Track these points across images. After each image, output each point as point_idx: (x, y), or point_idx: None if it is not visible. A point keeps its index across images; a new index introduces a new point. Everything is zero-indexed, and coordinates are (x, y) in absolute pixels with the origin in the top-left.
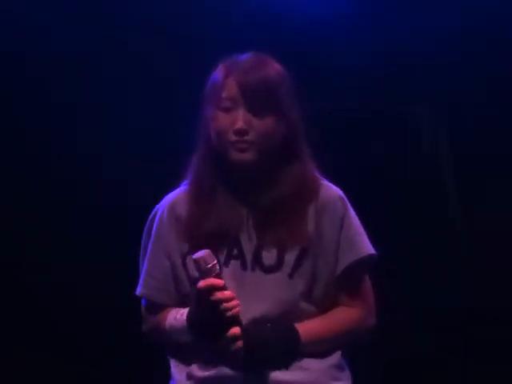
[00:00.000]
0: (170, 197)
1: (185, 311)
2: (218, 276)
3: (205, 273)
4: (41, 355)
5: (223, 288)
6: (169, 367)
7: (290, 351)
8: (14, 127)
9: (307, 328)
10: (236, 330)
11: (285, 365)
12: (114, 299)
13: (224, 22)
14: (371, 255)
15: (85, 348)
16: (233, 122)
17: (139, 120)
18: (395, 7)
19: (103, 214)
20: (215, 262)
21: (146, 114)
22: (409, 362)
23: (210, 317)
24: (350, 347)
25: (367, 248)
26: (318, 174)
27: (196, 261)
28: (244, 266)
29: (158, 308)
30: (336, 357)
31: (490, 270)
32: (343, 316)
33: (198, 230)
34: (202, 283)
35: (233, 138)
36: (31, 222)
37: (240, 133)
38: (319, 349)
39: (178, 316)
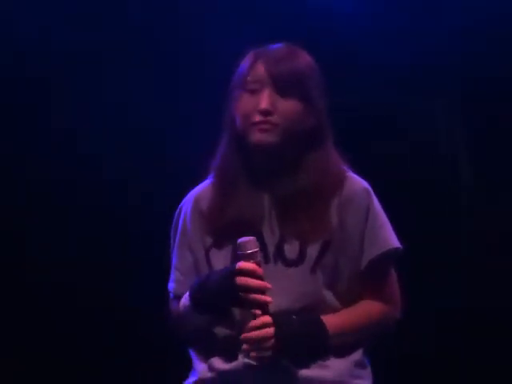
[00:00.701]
0: (194, 191)
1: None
2: (258, 265)
3: (245, 258)
4: (41, 355)
5: (260, 277)
6: (179, 362)
7: (318, 344)
8: (14, 127)
9: (332, 321)
10: (266, 318)
11: (312, 358)
12: (114, 299)
13: (225, 21)
14: (396, 248)
15: (85, 348)
16: (258, 102)
17: (139, 120)
18: (408, 6)
19: (103, 214)
20: (257, 249)
21: (145, 114)
22: (408, 361)
23: (226, 300)
24: (374, 340)
25: (392, 241)
26: (344, 167)
27: (239, 244)
28: (266, 259)
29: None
30: (358, 354)
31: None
32: (367, 309)
33: (220, 220)
34: (242, 264)
35: (257, 118)
36: (31, 222)
37: (264, 113)
38: (343, 342)
39: (187, 294)
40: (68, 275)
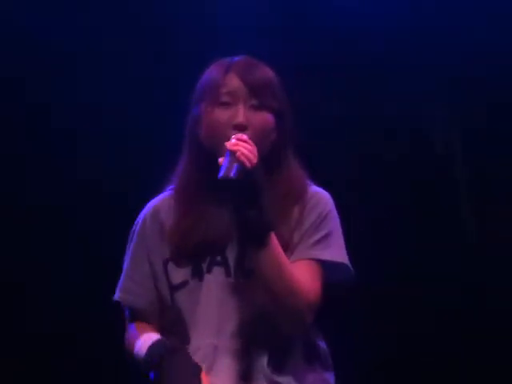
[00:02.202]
0: (153, 202)
1: (150, 341)
2: None
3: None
4: (41, 355)
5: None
6: None
7: (265, 222)
8: (13, 127)
9: (275, 241)
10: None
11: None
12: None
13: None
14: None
15: (85, 348)
16: (232, 117)
17: (139, 120)
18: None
19: (103, 214)
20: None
21: (145, 114)
22: (408, 363)
23: None
24: (284, 312)
25: (323, 255)
26: (306, 179)
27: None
28: (228, 273)
29: (137, 316)
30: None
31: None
32: (299, 274)
33: (184, 243)
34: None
35: (231, 133)
36: (31, 221)
37: (240, 128)
38: (270, 265)
39: (143, 344)
40: (68, 275)
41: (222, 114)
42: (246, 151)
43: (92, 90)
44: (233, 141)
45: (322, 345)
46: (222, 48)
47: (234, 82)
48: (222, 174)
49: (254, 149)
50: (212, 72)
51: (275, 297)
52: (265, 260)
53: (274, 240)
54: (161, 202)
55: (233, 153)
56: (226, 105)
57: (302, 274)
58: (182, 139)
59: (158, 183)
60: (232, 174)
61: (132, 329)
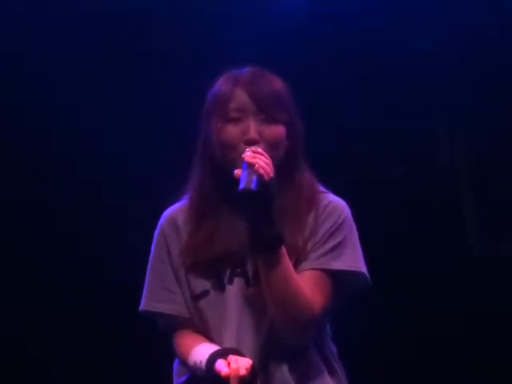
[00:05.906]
0: (169, 211)
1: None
2: None
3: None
4: (41, 354)
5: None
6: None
7: (274, 234)
8: (14, 127)
9: (286, 256)
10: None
11: (264, 224)
12: (115, 299)
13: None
14: (333, 270)
15: (85, 348)
16: (243, 132)
17: (140, 122)
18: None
19: (103, 215)
20: None
21: (147, 115)
22: (408, 363)
23: None
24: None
25: (333, 264)
26: (317, 186)
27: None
28: (247, 283)
29: (179, 323)
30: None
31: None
32: (308, 289)
33: (200, 257)
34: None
35: (243, 148)
36: (32, 222)
37: (252, 142)
38: (277, 277)
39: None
40: (69, 275)
41: (233, 130)
42: (263, 164)
43: (92, 92)
44: (249, 153)
45: (335, 349)
46: (229, 58)
47: (241, 97)
48: (242, 186)
49: (270, 162)
50: (220, 87)
51: (278, 307)
52: (272, 271)
53: (283, 252)
54: (177, 211)
55: (250, 165)
56: (236, 120)
57: (309, 286)
58: (192, 151)
59: (169, 193)
60: (253, 187)
61: (182, 338)
